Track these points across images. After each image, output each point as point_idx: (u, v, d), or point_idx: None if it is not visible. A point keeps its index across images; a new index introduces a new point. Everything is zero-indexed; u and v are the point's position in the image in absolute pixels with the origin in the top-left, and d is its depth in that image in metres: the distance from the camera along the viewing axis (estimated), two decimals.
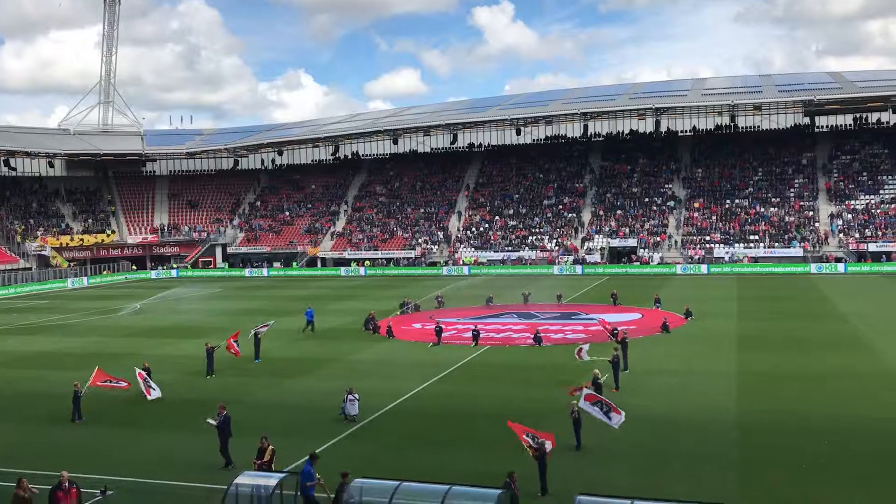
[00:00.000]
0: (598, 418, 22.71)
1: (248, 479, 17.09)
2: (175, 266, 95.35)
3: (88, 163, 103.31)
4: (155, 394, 29.87)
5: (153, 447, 24.32)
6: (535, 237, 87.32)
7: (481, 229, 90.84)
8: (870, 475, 19.93)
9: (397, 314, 49.25)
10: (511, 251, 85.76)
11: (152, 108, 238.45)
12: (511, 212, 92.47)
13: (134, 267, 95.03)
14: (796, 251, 76.25)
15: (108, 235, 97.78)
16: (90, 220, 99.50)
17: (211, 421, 22.89)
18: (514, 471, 17.82)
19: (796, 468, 20.63)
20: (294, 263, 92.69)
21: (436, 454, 22.72)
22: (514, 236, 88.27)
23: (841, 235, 77.45)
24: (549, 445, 19.71)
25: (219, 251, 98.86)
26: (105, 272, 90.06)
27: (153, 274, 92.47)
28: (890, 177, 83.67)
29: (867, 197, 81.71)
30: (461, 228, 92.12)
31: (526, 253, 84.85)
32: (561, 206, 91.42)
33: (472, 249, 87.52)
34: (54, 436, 25.93)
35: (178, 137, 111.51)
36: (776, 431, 23.79)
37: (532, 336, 40.36)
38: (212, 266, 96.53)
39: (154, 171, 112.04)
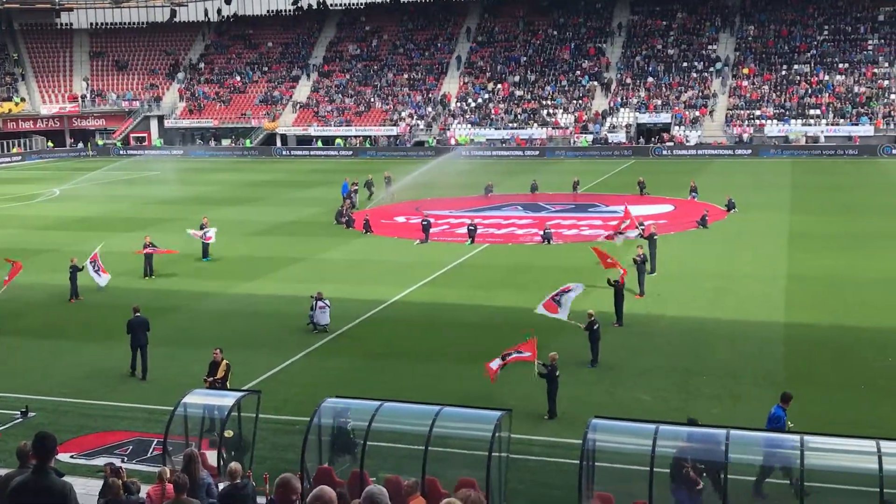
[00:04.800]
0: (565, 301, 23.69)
1: (198, 398, 17.45)
2: (101, 143, 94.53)
3: None
4: (104, 279, 32.04)
5: (80, 360, 24.81)
6: (546, 110, 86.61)
7: (480, 100, 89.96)
8: None
9: (347, 206, 47.70)
10: (516, 128, 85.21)
11: None
12: (517, 78, 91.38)
13: (50, 144, 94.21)
14: (866, 129, 75.99)
15: (16, 104, 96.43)
16: None
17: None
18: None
19: (853, 388, 21.22)
20: (248, 140, 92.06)
21: (421, 370, 23.25)
22: (520, 109, 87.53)
23: None
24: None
25: (154, 124, 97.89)
26: (15, 149, 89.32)
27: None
28: None
29: None
30: (455, 99, 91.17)
31: (535, 130, 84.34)
32: (579, 72, 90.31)
33: (469, 126, 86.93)
34: None
35: None
36: (830, 345, 24.37)
37: (540, 232, 40.63)
38: (146, 143, 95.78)
39: (71, 24, 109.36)
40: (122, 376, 23.14)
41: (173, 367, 23.78)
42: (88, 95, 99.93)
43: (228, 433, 16.45)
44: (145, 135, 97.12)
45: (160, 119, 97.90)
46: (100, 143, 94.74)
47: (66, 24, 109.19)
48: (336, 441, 16.38)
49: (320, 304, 26.60)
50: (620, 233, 36.47)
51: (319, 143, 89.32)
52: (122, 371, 23.30)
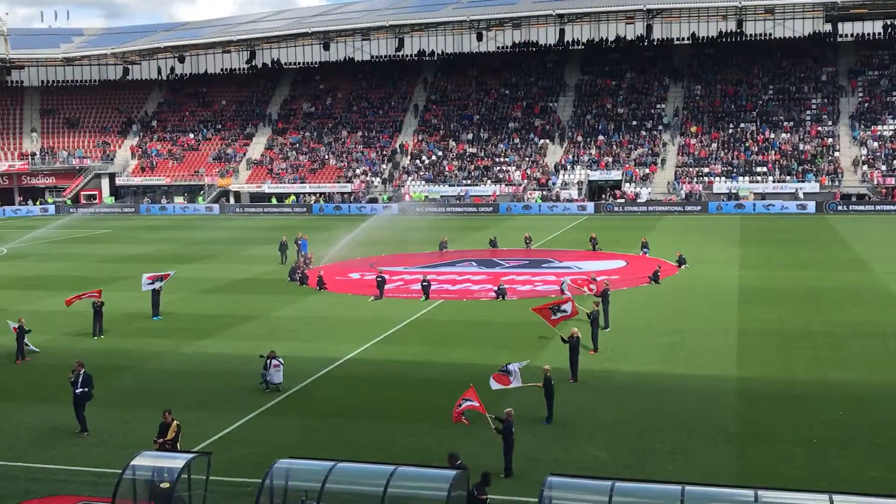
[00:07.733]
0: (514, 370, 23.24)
1: (147, 460, 17.06)
2: (51, 201, 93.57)
3: None
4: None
5: (26, 422, 24.18)
6: (499, 168, 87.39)
7: (433, 158, 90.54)
8: (890, 447, 20.74)
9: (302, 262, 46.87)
10: (470, 185, 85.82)
11: (24, 2, 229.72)
12: (470, 136, 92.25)
13: None
14: (811, 186, 77.58)
15: None
16: None
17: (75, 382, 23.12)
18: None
19: (806, 442, 21.35)
20: (200, 198, 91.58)
21: (376, 429, 22.98)
22: (473, 167, 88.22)
23: (865, 168, 78.96)
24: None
25: (105, 182, 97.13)
26: None
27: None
28: None
29: None
30: (409, 156, 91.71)
31: (488, 187, 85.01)
32: (531, 130, 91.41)
33: (423, 182, 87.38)
34: None
35: (52, 38, 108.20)
36: (782, 399, 24.52)
37: (495, 288, 40.71)
38: (97, 201, 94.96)
39: (22, 82, 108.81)
40: (69, 438, 22.58)
41: (122, 428, 23.26)
42: (38, 153, 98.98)
43: (164, 485, 16.19)
44: (96, 192, 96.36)
45: (112, 176, 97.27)
46: (50, 200, 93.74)
47: (17, 82, 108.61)
48: None
49: (273, 362, 26.29)
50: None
51: (273, 200, 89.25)
52: (70, 432, 22.75)
